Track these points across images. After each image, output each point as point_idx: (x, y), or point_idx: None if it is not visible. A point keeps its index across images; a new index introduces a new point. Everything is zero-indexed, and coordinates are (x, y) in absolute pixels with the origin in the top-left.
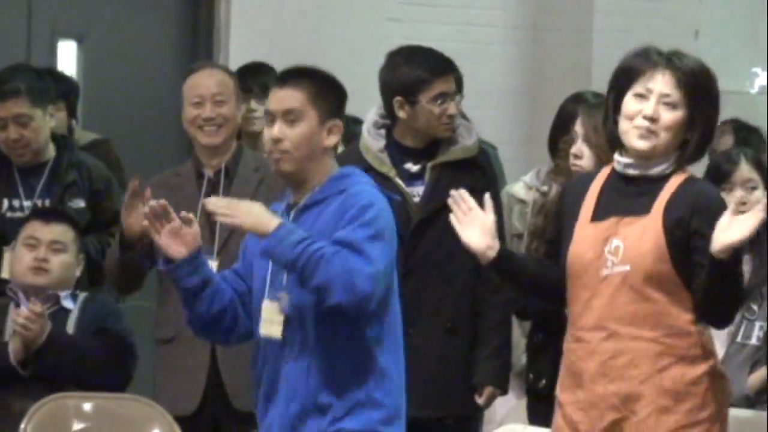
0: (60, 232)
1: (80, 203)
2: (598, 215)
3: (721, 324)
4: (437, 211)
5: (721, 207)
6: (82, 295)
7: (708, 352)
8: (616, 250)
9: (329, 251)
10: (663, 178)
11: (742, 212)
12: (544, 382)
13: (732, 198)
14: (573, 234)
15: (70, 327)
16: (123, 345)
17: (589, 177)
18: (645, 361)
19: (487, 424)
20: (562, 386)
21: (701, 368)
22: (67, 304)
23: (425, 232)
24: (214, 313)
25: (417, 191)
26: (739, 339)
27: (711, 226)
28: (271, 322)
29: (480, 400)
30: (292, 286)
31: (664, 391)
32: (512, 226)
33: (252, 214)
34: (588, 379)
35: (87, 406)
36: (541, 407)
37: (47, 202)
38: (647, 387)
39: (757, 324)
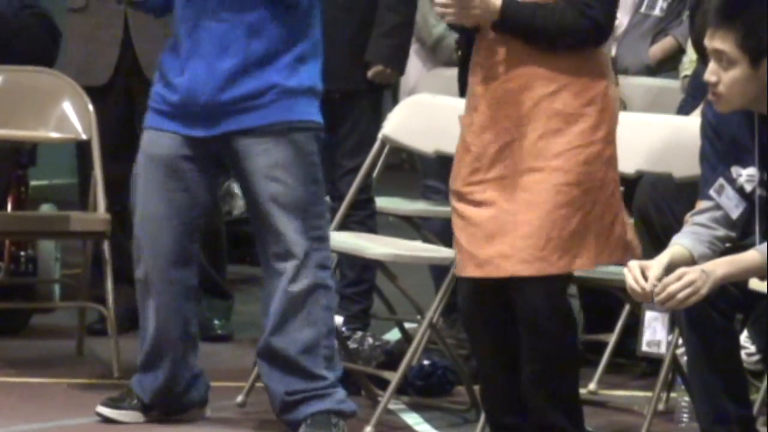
0: None
1: None
2: None
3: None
4: None
5: None
6: None
7: (603, 72)
8: None
9: None
10: None
11: None
12: None
13: None
14: None
15: None
16: (49, 20)
17: None
18: (537, 85)
19: (401, 94)
20: (465, 109)
21: (596, 89)
22: None
23: None
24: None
25: None
26: (642, 10)
27: None
28: None
29: (369, 75)
30: None
31: (556, 114)
32: None
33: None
34: (482, 103)
35: None
36: None
37: None
38: (539, 110)
39: None
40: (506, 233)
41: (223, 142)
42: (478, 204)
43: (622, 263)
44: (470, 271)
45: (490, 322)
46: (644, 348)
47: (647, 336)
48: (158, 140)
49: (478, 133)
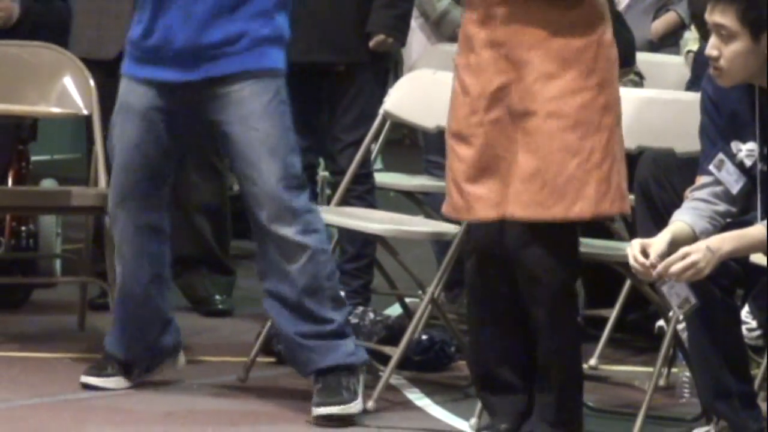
0: None
1: None
2: None
3: None
4: None
5: None
6: None
7: (599, 19)
8: None
9: None
10: None
11: None
12: None
13: None
14: None
15: None
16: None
17: None
18: (535, 29)
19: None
20: (458, 50)
21: (591, 36)
22: None
23: None
24: None
25: None
26: None
27: None
28: None
29: (371, 44)
30: None
31: (551, 57)
32: None
33: None
34: (478, 44)
35: None
36: None
37: None
38: (535, 52)
39: None
40: (508, 175)
41: (197, 89)
42: (476, 146)
43: (622, 213)
44: (484, 213)
45: (499, 276)
46: (677, 310)
47: (674, 302)
48: (134, 90)
49: (476, 74)
